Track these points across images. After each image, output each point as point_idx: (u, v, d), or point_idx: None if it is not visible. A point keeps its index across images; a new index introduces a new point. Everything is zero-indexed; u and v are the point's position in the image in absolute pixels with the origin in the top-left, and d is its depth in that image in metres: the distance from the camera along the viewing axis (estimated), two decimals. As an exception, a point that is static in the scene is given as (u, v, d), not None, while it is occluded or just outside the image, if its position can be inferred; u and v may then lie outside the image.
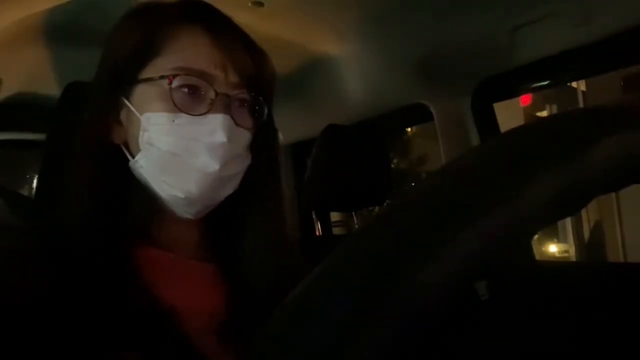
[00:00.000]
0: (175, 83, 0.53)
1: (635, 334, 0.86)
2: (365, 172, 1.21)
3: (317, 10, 1.07)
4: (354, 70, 1.35)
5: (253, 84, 0.58)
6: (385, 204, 1.30)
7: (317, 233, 1.77)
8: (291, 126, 1.66)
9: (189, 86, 0.54)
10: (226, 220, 0.61)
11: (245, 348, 0.22)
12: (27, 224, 0.51)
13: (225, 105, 0.55)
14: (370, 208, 1.45)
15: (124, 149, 0.57)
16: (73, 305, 0.45)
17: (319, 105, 1.54)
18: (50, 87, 1.17)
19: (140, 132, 0.54)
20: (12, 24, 0.91)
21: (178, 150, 0.54)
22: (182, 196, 0.54)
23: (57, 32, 1.02)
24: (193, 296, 0.56)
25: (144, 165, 0.55)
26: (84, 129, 0.57)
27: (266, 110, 0.60)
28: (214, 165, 0.54)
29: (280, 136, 1.74)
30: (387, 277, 0.19)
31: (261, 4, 1.01)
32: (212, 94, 0.54)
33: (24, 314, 0.43)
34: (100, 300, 0.47)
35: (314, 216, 1.77)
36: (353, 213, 1.50)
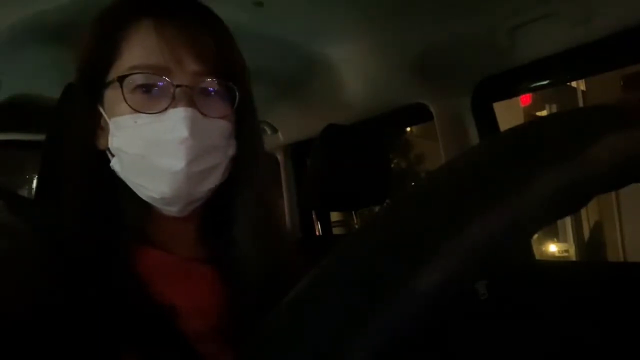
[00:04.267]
0: (130, 83, 0.52)
1: (635, 334, 0.86)
2: (365, 172, 1.21)
3: (317, 10, 1.07)
4: (354, 70, 1.35)
5: (219, 69, 0.55)
6: (385, 203, 1.29)
7: (317, 233, 1.77)
8: (291, 126, 1.66)
9: (144, 85, 0.52)
10: (219, 214, 0.61)
11: (242, 349, 0.21)
12: (26, 225, 0.51)
13: (187, 97, 0.53)
14: (370, 208, 1.45)
15: (108, 154, 0.56)
16: (72, 306, 0.45)
17: (319, 105, 1.54)
18: (50, 87, 1.17)
19: (109, 137, 0.54)
20: (12, 24, 0.91)
21: (144, 152, 0.52)
22: (158, 197, 0.54)
23: (57, 32, 1.01)
24: (191, 296, 0.56)
25: (119, 170, 0.55)
26: (70, 134, 0.57)
27: (238, 95, 0.57)
28: (179, 164, 0.52)
29: (280, 136, 1.74)
30: (384, 278, 0.19)
31: (261, 4, 1.00)
32: (171, 88, 0.52)
33: (23, 315, 0.42)
34: (100, 301, 0.47)
35: (314, 216, 1.77)
36: (353, 213, 1.50)
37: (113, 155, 0.56)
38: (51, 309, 0.44)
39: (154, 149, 0.52)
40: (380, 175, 1.26)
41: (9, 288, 0.43)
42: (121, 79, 0.52)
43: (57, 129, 0.70)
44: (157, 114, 0.52)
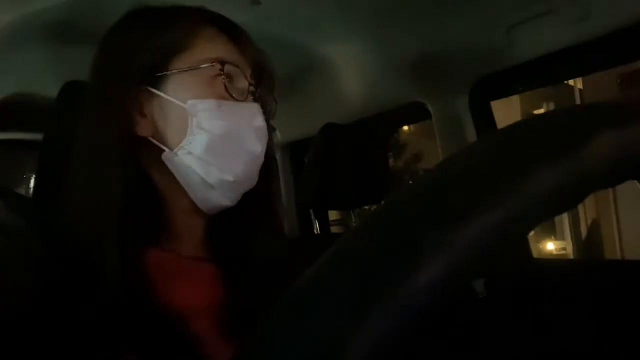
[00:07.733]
0: (217, 71, 0.56)
1: (633, 332, 0.86)
2: (363, 171, 1.21)
3: (315, 9, 1.07)
4: (352, 69, 1.35)
5: (262, 81, 0.62)
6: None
7: (316, 232, 1.77)
8: (289, 125, 1.65)
9: (229, 75, 0.57)
10: (230, 216, 0.62)
11: (240, 348, 0.22)
12: (28, 224, 0.51)
13: (256, 95, 0.61)
14: (369, 207, 1.45)
15: (154, 141, 0.57)
16: (74, 306, 0.45)
17: (317, 104, 1.53)
18: (49, 87, 1.17)
19: (190, 119, 0.55)
20: (11, 23, 0.91)
21: (229, 134, 0.56)
22: (232, 179, 0.56)
23: (57, 31, 1.01)
24: (195, 296, 0.56)
25: (193, 150, 0.55)
26: (104, 122, 0.56)
27: (275, 107, 0.65)
28: (259, 148, 0.58)
29: (279, 135, 1.74)
30: (383, 276, 0.19)
31: (259, 3, 1.00)
32: (245, 84, 0.59)
33: (24, 314, 0.43)
34: (102, 301, 0.47)
35: (312, 215, 1.77)
36: (351, 212, 1.50)
37: (162, 142, 0.57)
38: (50, 308, 0.44)
39: (239, 132, 0.57)
40: (379, 174, 1.26)
41: (8, 288, 0.43)
42: (222, 64, 0.56)
43: (58, 126, 0.70)
44: (241, 102, 0.58)
